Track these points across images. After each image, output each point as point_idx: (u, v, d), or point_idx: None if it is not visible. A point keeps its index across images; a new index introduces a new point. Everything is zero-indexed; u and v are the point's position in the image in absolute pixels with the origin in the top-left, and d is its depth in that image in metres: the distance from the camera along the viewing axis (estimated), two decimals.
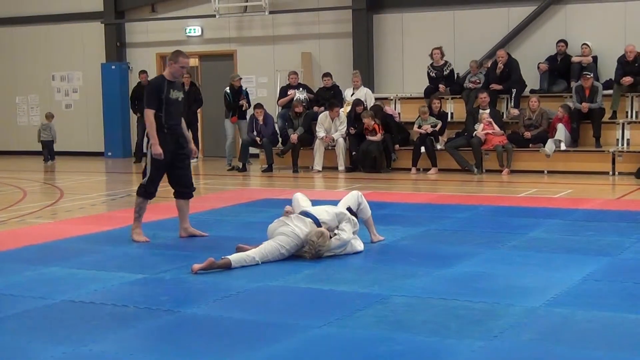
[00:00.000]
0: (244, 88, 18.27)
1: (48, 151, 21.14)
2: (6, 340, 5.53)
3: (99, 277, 7.32)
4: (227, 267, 7.48)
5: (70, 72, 22.63)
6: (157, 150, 8.86)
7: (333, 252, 7.94)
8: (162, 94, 8.92)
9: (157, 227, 9.88)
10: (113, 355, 5.16)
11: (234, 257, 7.58)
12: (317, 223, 7.96)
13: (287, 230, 7.89)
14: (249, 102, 18.16)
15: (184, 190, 9.33)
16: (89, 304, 6.42)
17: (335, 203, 8.53)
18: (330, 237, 7.92)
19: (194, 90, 19.60)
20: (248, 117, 17.88)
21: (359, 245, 8.19)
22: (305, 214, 8.08)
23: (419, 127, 16.37)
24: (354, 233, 8.17)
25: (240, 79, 18.13)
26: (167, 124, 8.97)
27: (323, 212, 8.10)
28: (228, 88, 17.91)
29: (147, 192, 9.17)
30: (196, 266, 7.38)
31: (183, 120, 9.34)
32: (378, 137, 16.35)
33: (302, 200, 8.54)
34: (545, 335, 5.41)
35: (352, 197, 8.57)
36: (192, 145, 9.40)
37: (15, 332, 5.73)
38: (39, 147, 21.44)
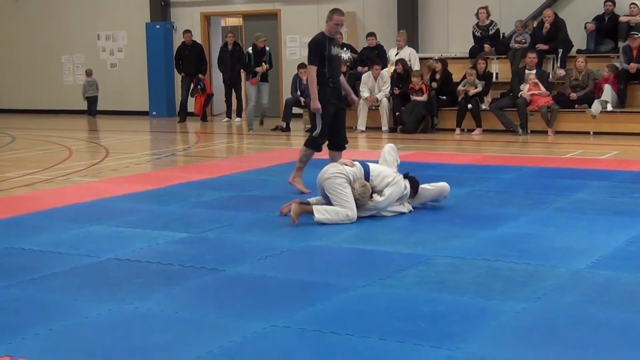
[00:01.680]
0: (267, 49, 18.06)
1: (93, 106, 21.69)
2: (53, 297, 5.61)
3: (144, 235, 7.38)
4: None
5: (115, 32, 22.71)
6: (317, 105, 9.25)
7: (368, 213, 7.93)
8: (325, 50, 9.22)
9: (201, 187, 9.94)
10: (158, 312, 5.22)
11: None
12: (367, 172, 8.00)
13: (335, 171, 7.89)
14: (270, 63, 18.08)
15: (340, 142, 9.65)
16: (134, 261, 6.48)
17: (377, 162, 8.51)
18: (371, 197, 7.90)
19: (238, 50, 19.59)
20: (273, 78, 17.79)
21: (389, 213, 8.08)
22: (362, 162, 8.15)
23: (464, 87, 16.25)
24: (400, 199, 8.11)
25: (265, 39, 17.98)
26: (332, 79, 9.34)
27: (376, 170, 8.10)
28: (251, 48, 17.75)
29: (317, 144, 9.51)
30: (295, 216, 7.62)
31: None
32: (424, 98, 16.28)
33: (387, 154, 8.56)
34: (590, 297, 5.38)
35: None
36: (353, 96, 9.99)
37: (62, 289, 5.80)
38: (84, 106, 21.86)
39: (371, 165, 8.15)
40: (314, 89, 9.22)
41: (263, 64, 17.71)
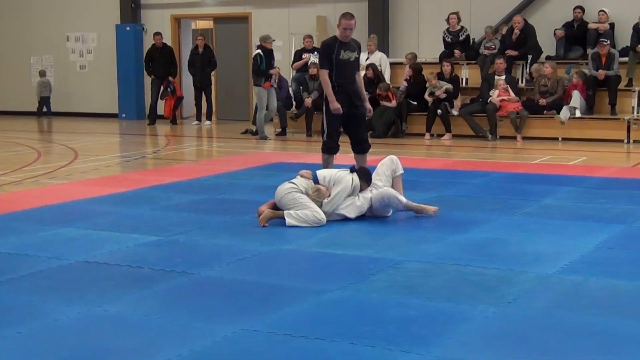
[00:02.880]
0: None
1: (46, 106, 22.25)
2: (21, 300, 5.57)
3: (113, 238, 7.35)
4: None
5: (84, 33, 22.59)
6: (335, 105, 9.29)
7: (330, 217, 7.92)
8: (333, 54, 9.29)
9: (171, 190, 9.91)
10: (128, 316, 5.19)
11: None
12: (315, 179, 8.09)
13: (287, 188, 7.96)
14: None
15: (357, 146, 9.81)
16: (103, 264, 6.45)
17: (343, 166, 8.54)
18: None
19: (208, 53, 19.53)
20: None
21: (349, 212, 8.06)
22: (313, 172, 8.25)
23: (431, 94, 16.27)
24: (352, 194, 8.07)
25: (274, 40, 17.05)
26: (337, 82, 9.35)
27: (320, 175, 8.19)
28: (260, 51, 16.63)
29: (329, 147, 9.60)
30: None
31: (358, 79, 9.67)
32: (393, 104, 16.34)
33: (380, 166, 8.51)
34: (558, 302, 5.42)
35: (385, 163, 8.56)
36: (367, 104, 9.80)
37: (30, 292, 5.76)
38: (52, 107, 21.85)
39: (317, 172, 8.26)
40: (329, 90, 9.28)
41: (276, 66, 17.03)
